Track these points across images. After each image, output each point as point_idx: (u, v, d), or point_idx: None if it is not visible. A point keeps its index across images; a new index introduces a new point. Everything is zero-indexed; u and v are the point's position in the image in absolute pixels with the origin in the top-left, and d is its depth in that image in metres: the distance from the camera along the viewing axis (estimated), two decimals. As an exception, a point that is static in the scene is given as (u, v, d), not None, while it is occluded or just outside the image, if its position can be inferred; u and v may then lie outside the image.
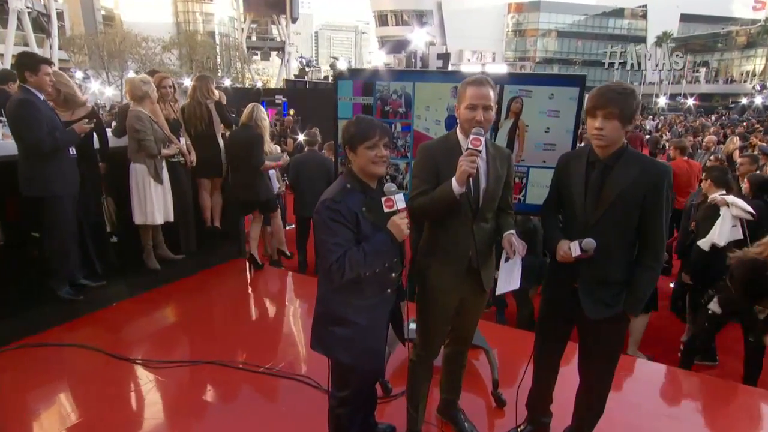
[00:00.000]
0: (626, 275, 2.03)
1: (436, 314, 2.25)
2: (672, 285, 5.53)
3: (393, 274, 1.97)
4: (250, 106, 4.75)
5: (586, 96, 2.03)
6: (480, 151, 1.94)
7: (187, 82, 25.20)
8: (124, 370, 3.13)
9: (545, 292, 2.34)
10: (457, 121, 2.11)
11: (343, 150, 1.92)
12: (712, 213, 3.96)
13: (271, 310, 4.43)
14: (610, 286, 2.03)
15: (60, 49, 28.94)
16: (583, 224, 2.02)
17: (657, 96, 45.86)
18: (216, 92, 4.91)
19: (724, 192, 3.97)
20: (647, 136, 15.78)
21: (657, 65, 50.80)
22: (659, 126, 21.59)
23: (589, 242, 1.94)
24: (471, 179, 1.99)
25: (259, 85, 33.76)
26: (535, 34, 62.65)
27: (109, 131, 4.31)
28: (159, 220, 4.21)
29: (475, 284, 2.21)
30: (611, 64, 55.65)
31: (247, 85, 38.02)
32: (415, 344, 2.39)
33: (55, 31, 27.40)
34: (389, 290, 1.98)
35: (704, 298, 3.74)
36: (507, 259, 2.13)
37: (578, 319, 2.15)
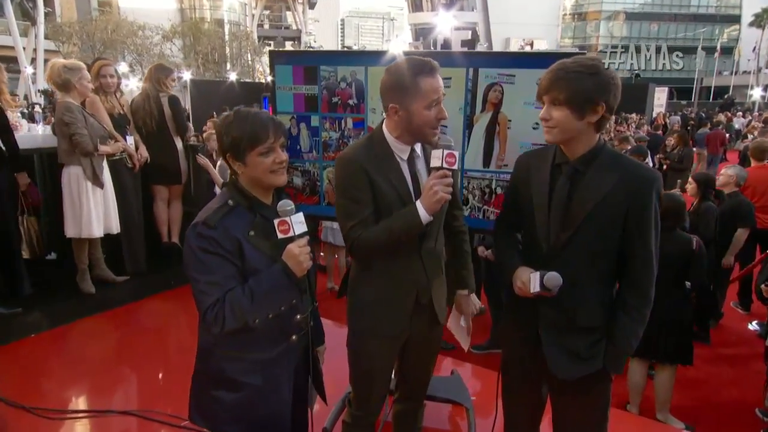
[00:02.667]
0: (605, 319, 1.78)
1: (371, 362, 2.04)
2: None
3: (298, 316, 1.75)
4: None
5: None
6: (456, 170, 1.79)
7: (187, 76, 25.73)
8: (15, 421, 2.96)
9: (503, 339, 2.10)
10: (383, 118, 1.92)
11: (224, 159, 1.70)
12: None
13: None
14: (584, 333, 1.78)
15: (47, 38, 30.07)
16: (546, 249, 1.78)
17: (752, 87, 44.07)
18: (173, 86, 4.87)
19: None
20: (728, 135, 14.72)
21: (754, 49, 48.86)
22: (749, 124, 20.62)
23: (553, 278, 1.68)
24: (413, 191, 1.88)
25: (270, 79, 34.21)
26: (598, 17, 61.78)
27: (41, 129, 4.28)
28: (97, 233, 4.10)
29: (424, 318, 2.03)
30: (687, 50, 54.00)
31: (260, 80, 38.63)
32: (348, 401, 2.18)
33: (41, 18, 28.46)
34: (294, 337, 1.76)
35: None
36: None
37: (546, 377, 1.89)
